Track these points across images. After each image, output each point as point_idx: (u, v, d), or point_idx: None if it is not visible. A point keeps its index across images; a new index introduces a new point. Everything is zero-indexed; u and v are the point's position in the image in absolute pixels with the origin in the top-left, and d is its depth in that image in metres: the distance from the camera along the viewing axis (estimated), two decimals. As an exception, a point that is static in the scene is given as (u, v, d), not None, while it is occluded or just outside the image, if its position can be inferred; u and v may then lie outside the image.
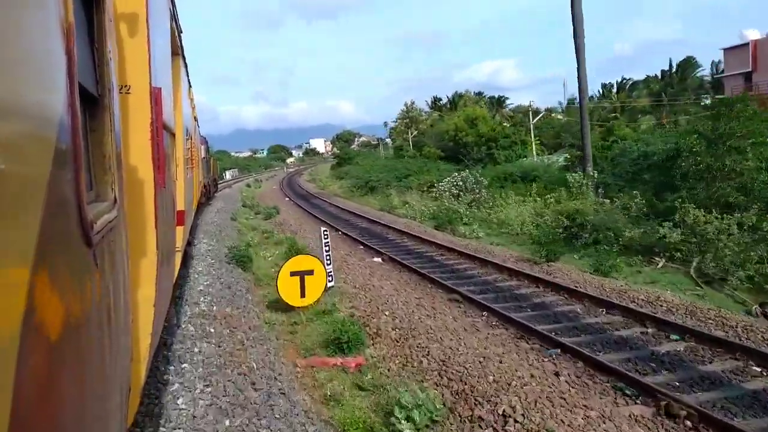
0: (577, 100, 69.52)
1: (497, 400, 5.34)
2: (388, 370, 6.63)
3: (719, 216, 12.77)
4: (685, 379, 6.55)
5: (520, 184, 26.87)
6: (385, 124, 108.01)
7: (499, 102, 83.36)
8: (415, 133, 70.07)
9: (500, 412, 5.15)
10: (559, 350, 7.26)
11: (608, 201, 16.87)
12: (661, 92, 55.96)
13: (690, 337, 7.70)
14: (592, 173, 19.76)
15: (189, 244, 13.40)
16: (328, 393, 6.25)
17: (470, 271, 12.52)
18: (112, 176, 1.88)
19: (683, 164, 15.03)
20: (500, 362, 6.36)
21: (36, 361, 0.85)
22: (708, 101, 54.52)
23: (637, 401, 5.88)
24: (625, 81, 66.73)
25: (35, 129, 0.95)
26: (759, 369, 6.70)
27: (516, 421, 4.99)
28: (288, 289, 9.14)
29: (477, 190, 24.64)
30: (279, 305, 9.48)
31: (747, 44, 37.25)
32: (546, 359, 7.00)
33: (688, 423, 5.39)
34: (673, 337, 7.85)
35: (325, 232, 10.43)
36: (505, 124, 44.38)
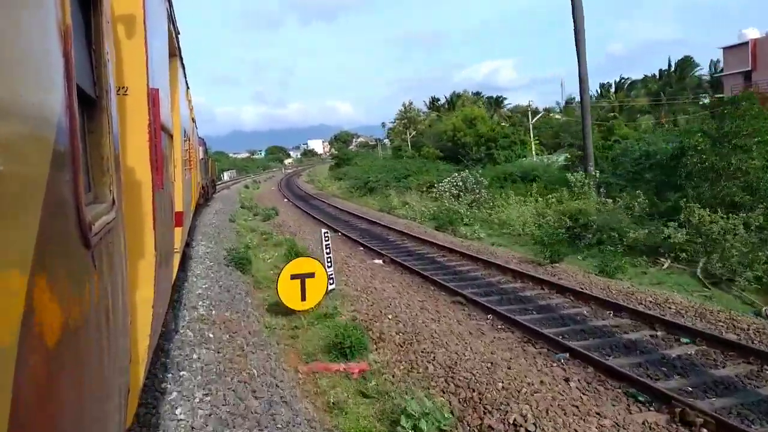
0: (576, 100, 69.24)
1: (507, 408, 5.15)
2: (393, 376, 6.44)
3: (725, 216, 12.61)
4: (698, 385, 6.36)
5: (519, 184, 26.71)
6: (383, 124, 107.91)
7: (497, 102, 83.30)
8: (414, 133, 69.92)
9: (511, 421, 4.96)
10: (567, 355, 7.07)
11: (611, 201, 16.69)
12: (659, 92, 55.91)
13: (701, 341, 7.53)
14: (594, 173, 19.59)
15: (187, 245, 13.23)
16: (332, 401, 6.05)
17: (473, 272, 12.33)
18: (110, 178, 1.87)
19: (688, 163, 14.85)
20: (508, 368, 6.17)
21: (35, 363, 0.85)
22: (706, 101, 54.60)
23: (651, 408, 5.69)
24: (623, 81, 66.70)
25: (33, 130, 0.95)
26: (774, 373, 6.53)
27: (528, 431, 4.80)
28: (288, 293, 8.94)
29: (477, 191, 24.47)
30: (279, 308, 9.28)
31: (746, 43, 37.18)
32: (555, 364, 6.81)
33: (705, 431, 5.21)
34: (684, 340, 7.68)
35: (326, 234, 10.23)
36: (503, 124, 44.19)
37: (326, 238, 10.17)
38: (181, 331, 7.31)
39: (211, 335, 7.24)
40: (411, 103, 76.19)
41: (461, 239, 17.42)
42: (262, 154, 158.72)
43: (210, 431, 4.73)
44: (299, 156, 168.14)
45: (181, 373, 5.84)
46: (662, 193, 17.52)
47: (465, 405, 5.42)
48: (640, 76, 66.47)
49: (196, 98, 14.31)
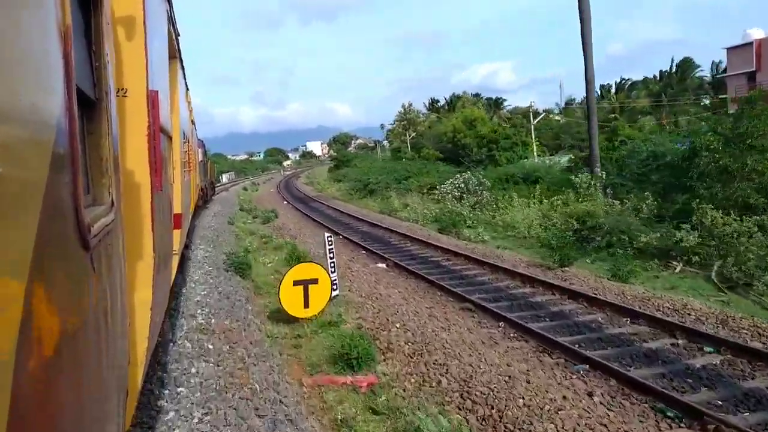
0: (576, 101, 68.96)
1: (531, 428, 4.78)
2: (404, 390, 6.06)
3: (738, 218, 12.27)
4: (727, 398, 6.00)
5: (522, 186, 26.37)
6: (382, 126, 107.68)
7: (496, 104, 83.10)
8: (413, 134, 69.62)
9: (536, 443, 4.58)
10: (587, 366, 6.70)
11: (618, 203, 16.33)
12: (660, 93, 55.65)
13: (726, 350, 7.16)
14: (600, 174, 19.23)
15: (186, 247, 12.89)
16: (339, 417, 5.67)
17: (480, 277, 11.96)
18: (109, 179, 1.86)
19: (701, 163, 14.50)
20: (528, 382, 5.80)
21: (33, 365, 0.85)
22: (707, 101, 54.36)
23: (682, 425, 5.33)
24: (623, 82, 66.47)
25: (32, 132, 0.95)
26: (806, 385, 6.16)
27: (555, 454, 4.42)
28: (291, 300, 8.57)
29: (479, 192, 24.11)
30: (281, 316, 8.91)
31: (751, 44, 36.86)
32: (574, 376, 6.44)
33: (742, 450, 4.85)
34: (707, 349, 7.31)
35: (330, 238, 9.86)
36: (504, 125, 43.89)
37: (329, 242, 9.79)
38: (179, 342, 6.93)
39: (210, 346, 6.86)
40: (411, 105, 75.98)
41: (465, 242, 17.06)
42: (261, 156, 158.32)
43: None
44: (298, 158, 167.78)
45: (179, 389, 5.45)
46: (669, 195, 17.18)
47: (484, 424, 5.05)
48: (639, 77, 66.34)
49: (193, 99, 14.05)
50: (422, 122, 73.97)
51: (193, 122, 15.36)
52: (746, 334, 7.82)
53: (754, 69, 36.31)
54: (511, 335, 8.00)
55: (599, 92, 67.20)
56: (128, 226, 2.43)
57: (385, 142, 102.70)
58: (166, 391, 5.49)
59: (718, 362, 6.91)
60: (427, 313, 8.77)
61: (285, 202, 35.79)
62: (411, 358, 6.83)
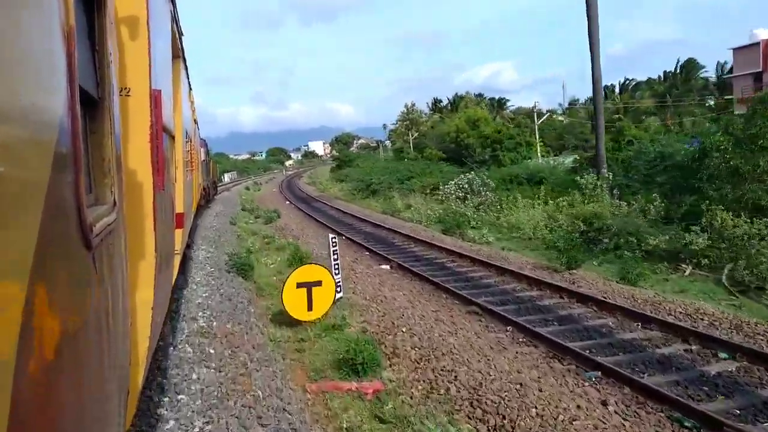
0: (579, 101, 68.57)
1: (545, 439, 4.58)
2: (411, 397, 5.87)
3: (749, 220, 12.05)
4: (746, 406, 5.80)
5: (526, 187, 26.16)
6: (384, 126, 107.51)
7: (499, 104, 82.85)
8: (416, 134, 69.41)
9: (550, 455, 4.40)
10: (599, 373, 6.50)
11: (625, 204, 16.11)
12: (665, 93, 55.36)
13: (741, 356, 6.96)
14: (607, 175, 19.00)
15: (188, 246, 12.76)
16: (345, 426, 5.49)
17: (486, 279, 11.76)
18: (112, 179, 1.86)
19: (711, 165, 14.28)
20: (540, 390, 5.61)
21: (34, 365, 0.84)
22: (712, 102, 54.03)
23: (701, 435, 5.13)
24: (627, 82, 66.18)
25: (35, 131, 0.95)
26: (827, 394, 5.96)
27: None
28: (294, 302, 8.39)
29: (483, 193, 23.91)
30: (283, 318, 8.73)
31: (757, 44, 36.53)
32: (586, 383, 6.25)
33: (765, 464, 4.65)
34: (722, 355, 7.11)
35: (334, 240, 9.67)
36: (508, 125, 43.66)
37: (334, 244, 9.60)
38: (180, 347, 6.76)
39: (211, 351, 6.69)
40: (413, 105, 75.75)
41: (470, 243, 16.86)
42: (263, 156, 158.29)
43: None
44: (300, 158, 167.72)
45: (179, 396, 5.28)
46: (676, 196, 16.95)
47: (496, 434, 4.86)
48: (641, 77, 66.02)
49: (195, 99, 13.91)
50: (425, 122, 73.77)
51: (195, 121, 15.29)
52: (762, 339, 7.61)
53: (760, 69, 36.01)
54: (520, 340, 7.80)
55: (603, 93, 66.94)
56: (130, 225, 2.43)
57: (388, 142, 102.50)
58: (166, 398, 5.32)
59: (733, 369, 6.71)
60: (433, 316, 8.58)
61: (287, 202, 35.63)
62: (418, 363, 6.64)
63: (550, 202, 19.25)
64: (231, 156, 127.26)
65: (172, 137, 5.03)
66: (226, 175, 68.99)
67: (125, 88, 2.71)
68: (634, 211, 15.55)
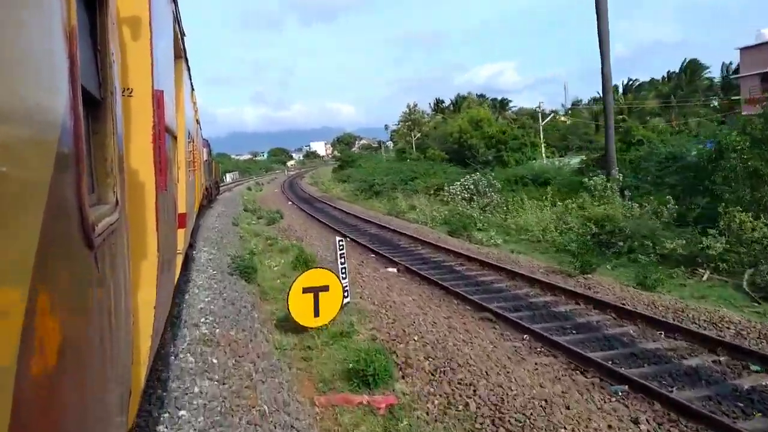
0: (582, 101, 67.95)
1: (579, 465, 4.20)
2: (427, 413, 5.50)
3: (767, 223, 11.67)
4: (786, 425, 5.41)
5: (531, 187, 25.79)
6: (386, 126, 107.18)
7: (501, 104, 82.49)
8: (418, 135, 69.07)
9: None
10: (626, 387, 6.12)
11: (637, 206, 15.72)
12: (670, 94, 54.95)
13: (774, 369, 6.58)
14: (617, 176, 18.59)
15: (190, 246, 12.47)
16: (357, 444, 5.13)
17: (497, 284, 11.38)
18: (114, 179, 1.87)
19: (727, 165, 13.88)
20: (567, 407, 5.23)
21: (36, 364, 0.84)
22: (716, 103, 53.58)
23: (742, 458, 4.75)
24: (631, 82, 65.76)
25: (38, 131, 0.96)
26: None
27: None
28: (300, 308, 8.04)
29: (489, 194, 23.54)
30: (289, 324, 8.38)
31: (765, 44, 36.05)
32: (613, 398, 5.87)
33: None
34: (754, 367, 6.72)
35: (341, 243, 9.30)
36: (512, 125, 43.28)
37: (341, 247, 9.24)
38: (181, 356, 6.39)
39: (214, 360, 6.32)
40: (416, 105, 75.38)
41: (477, 245, 16.48)
42: (265, 156, 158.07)
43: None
44: (302, 158, 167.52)
45: (180, 412, 4.91)
46: (688, 198, 16.56)
47: (523, 457, 4.48)
48: (643, 77, 65.60)
49: (197, 99, 13.65)
50: (427, 123, 73.43)
51: (198, 122, 15.11)
52: (794, 351, 7.23)
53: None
54: (538, 349, 7.42)
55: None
56: (132, 225, 2.42)
57: (389, 143, 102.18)
58: (166, 414, 4.95)
59: (767, 383, 6.33)
60: (446, 323, 8.21)
61: (290, 203, 35.29)
62: (432, 375, 6.27)
63: (559, 203, 18.85)
64: (233, 156, 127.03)
65: (175, 137, 4.99)
66: (227, 176, 68.70)
67: (128, 89, 2.70)
68: (646, 213, 15.15)
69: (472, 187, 24.06)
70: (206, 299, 8.98)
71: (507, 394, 5.52)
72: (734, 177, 13.73)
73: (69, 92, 1.15)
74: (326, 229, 21.28)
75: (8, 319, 0.74)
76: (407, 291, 10.63)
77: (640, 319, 8.39)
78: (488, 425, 5.02)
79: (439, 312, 9.01)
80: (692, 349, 7.36)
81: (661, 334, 7.91)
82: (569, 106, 68.29)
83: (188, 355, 6.42)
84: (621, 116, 51.37)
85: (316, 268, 8.94)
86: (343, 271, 9.10)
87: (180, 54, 6.57)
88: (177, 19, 5.60)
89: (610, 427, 4.91)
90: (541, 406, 5.22)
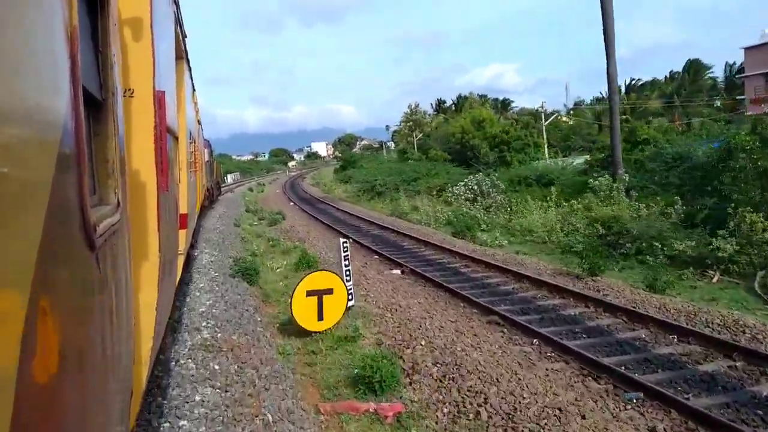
0: (585, 102, 67.73)
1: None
2: (436, 422, 5.31)
3: (779, 224, 11.46)
4: (809, 435, 5.22)
5: (535, 188, 25.58)
6: (387, 127, 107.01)
7: (503, 105, 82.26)
8: (420, 135, 68.88)
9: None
10: (641, 394, 5.92)
11: (644, 207, 15.49)
12: (673, 94, 54.67)
13: (793, 375, 6.37)
14: (624, 176, 18.36)
15: (192, 246, 12.33)
16: (365, 455, 4.94)
17: (503, 286, 11.19)
18: (115, 180, 1.86)
19: (737, 166, 13.66)
20: (582, 416, 5.04)
21: (38, 363, 0.84)
22: (719, 103, 53.26)
23: (766, 471, 4.55)
24: (633, 82, 65.44)
25: (39, 132, 0.96)
26: None
27: None
28: (304, 312, 7.86)
29: (493, 195, 23.34)
30: (292, 328, 8.21)
31: (770, 43, 35.88)
32: (629, 406, 5.67)
33: None
34: (772, 373, 6.52)
35: (345, 244, 9.12)
36: (515, 125, 43.05)
37: (345, 249, 9.05)
38: (182, 362, 6.21)
39: (216, 367, 6.14)
40: (417, 105, 75.18)
41: (482, 247, 16.28)
42: (266, 157, 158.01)
43: None
44: (303, 159, 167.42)
45: (181, 423, 4.73)
46: (695, 199, 16.33)
47: (538, 470, 4.29)
48: (645, 77, 65.31)
49: (198, 100, 13.56)
50: (429, 123, 73.24)
51: (199, 122, 15.08)
52: (812, 356, 7.01)
53: (773, 69, 35.33)
54: (548, 354, 7.23)
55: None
56: (134, 226, 2.41)
57: (391, 143, 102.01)
58: (167, 424, 4.77)
59: (787, 390, 6.12)
60: (453, 327, 8.01)
61: (291, 204, 35.13)
62: (441, 382, 6.08)
63: (564, 204, 18.63)
64: (234, 157, 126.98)
65: (176, 138, 4.99)
66: (229, 176, 68.61)
67: (129, 90, 2.70)
68: (653, 214, 14.93)
69: (475, 187, 23.86)
70: (208, 302, 8.81)
71: (519, 403, 5.33)
72: (744, 177, 13.51)
73: (70, 93, 1.15)
74: (329, 230, 21.10)
75: (9, 320, 0.74)
76: (412, 293, 10.43)
77: (652, 323, 8.19)
78: (501, 436, 4.82)
79: (446, 315, 8.82)
80: (707, 354, 7.15)
81: (674, 338, 7.71)
82: (571, 107, 68.02)
83: (189, 361, 6.25)
84: (624, 116, 51.11)
85: (320, 270, 8.75)
86: (348, 273, 8.91)
87: (181, 55, 6.61)
88: (178, 21, 5.61)
89: (628, 437, 4.72)
90: (556, 415, 5.03)
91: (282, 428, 5.08)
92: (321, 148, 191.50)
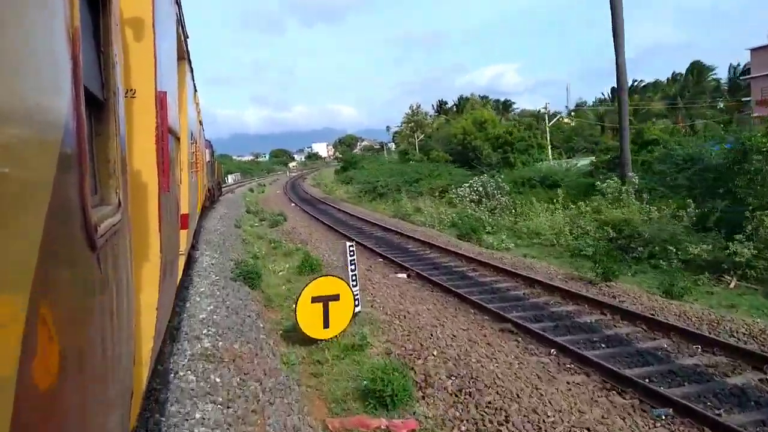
0: (587, 103, 67.45)
1: None
2: (454, 442, 4.94)
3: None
4: None
5: (539, 190, 25.24)
6: (388, 128, 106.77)
7: (504, 106, 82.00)
8: (421, 136, 68.57)
9: None
10: (670, 410, 5.56)
11: (655, 209, 15.13)
12: (676, 95, 54.36)
13: (829, 390, 6.01)
14: (633, 178, 17.99)
15: (193, 247, 12.00)
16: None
17: (513, 291, 10.82)
18: (117, 180, 1.86)
19: (752, 168, 13.31)
20: (613, 438, 4.67)
21: (38, 364, 0.83)
22: (722, 105, 52.95)
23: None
24: (635, 83, 65.16)
25: (40, 132, 0.95)
26: None
27: None
28: (309, 319, 7.52)
29: (497, 196, 22.98)
30: (296, 335, 7.87)
31: (777, 43, 35.52)
32: (658, 424, 5.31)
33: None
34: (806, 388, 6.16)
35: (351, 248, 8.76)
36: (519, 126, 42.75)
37: (351, 253, 8.69)
38: (181, 374, 5.85)
39: (217, 379, 5.78)
40: (419, 106, 74.91)
41: (488, 250, 15.92)
42: (267, 158, 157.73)
43: None
44: (303, 159, 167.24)
45: (180, 444, 4.37)
46: (707, 201, 15.97)
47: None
48: (646, 78, 64.98)
49: (199, 100, 13.31)
50: (430, 124, 72.96)
51: (200, 123, 14.88)
52: None
53: (780, 70, 34.95)
54: (567, 365, 6.86)
55: (610, 95, 65.88)
56: (135, 226, 2.41)
57: (392, 144, 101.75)
58: (164, 445, 4.42)
59: (824, 406, 5.76)
60: (465, 336, 7.65)
61: (293, 204, 34.78)
62: (457, 396, 5.71)
63: (572, 206, 18.25)
64: (235, 157, 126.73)
65: (178, 138, 4.98)
66: (229, 177, 68.30)
67: (131, 90, 2.69)
68: (665, 217, 14.56)
69: (480, 189, 23.51)
70: (208, 308, 8.45)
71: (544, 422, 4.97)
72: (760, 180, 13.15)
73: (72, 93, 1.15)
74: (331, 231, 20.75)
75: (9, 320, 0.73)
76: (420, 299, 10.07)
77: (673, 332, 7.82)
78: (527, 459, 4.46)
79: (457, 323, 8.46)
80: (734, 366, 6.79)
81: (698, 348, 7.34)
82: (573, 108, 67.73)
83: (189, 373, 5.88)
84: (629, 117, 50.81)
85: (326, 275, 8.39)
86: (354, 278, 8.56)
87: (183, 55, 6.63)
88: (180, 21, 5.61)
89: (664, 461, 4.36)
90: (585, 436, 4.67)
91: (288, 448, 4.73)
92: (321, 149, 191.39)
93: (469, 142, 41.85)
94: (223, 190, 40.04)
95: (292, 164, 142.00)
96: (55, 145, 1.01)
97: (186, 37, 6.79)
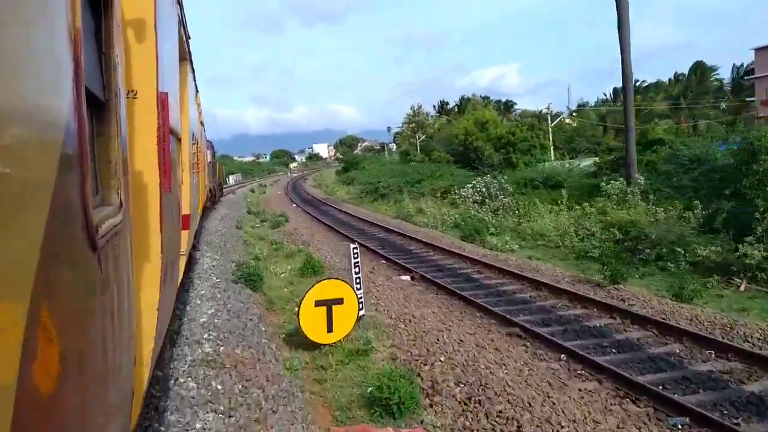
0: (589, 104, 67.27)
1: None
2: (465, 453, 4.76)
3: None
4: None
5: (542, 190, 25.04)
6: (389, 129, 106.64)
7: (506, 106, 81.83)
8: (423, 137, 68.40)
9: None
10: (687, 419, 5.37)
11: (661, 211, 14.93)
12: (679, 96, 54.15)
13: None
14: (639, 179, 17.79)
15: (194, 248, 11.84)
16: (386, 492, 4.39)
17: (520, 294, 10.64)
18: (118, 181, 1.87)
19: (761, 169, 13.10)
20: (631, 449, 4.48)
21: (38, 365, 0.83)
22: (724, 105, 52.71)
23: None
24: (638, 84, 64.95)
25: (42, 133, 0.96)
26: None
27: None
28: (312, 323, 7.34)
29: (500, 197, 22.80)
30: (298, 339, 7.68)
31: (781, 43, 35.28)
32: (675, 434, 5.13)
33: None
34: (826, 395, 5.97)
35: (355, 250, 8.58)
36: (521, 126, 42.58)
37: (355, 255, 8.51)
38: (181, 380, 5.67)
39: (219, 387, 5.60)
40: (420, 107, 74.75)
41: (492, 251, 15.72)
42: (268, 158, 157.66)
43: None
44: (304, 160, 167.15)
45: (179, 457, 4.19)
46: (713, 202, 15.78)
47: None
48: (648, 78, 64.81)
49: (201, 101, 13.19)
50: (431, 125, 72.81)
51: (202, 123, 14.82)
52: None
53: (784, 70, 34.72)
54: (578, 372, 6.68)
55: (612, 95, 65.67)
56: (136, 227, 2.42)
57: (393, 145, 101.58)
58: (164, 459, 4.24)
59: None
60: (472, 341, 7.47)
61: (294, 205, 34.62)
62: (466, 405, 5.52)
63: (576, 207, 18.05)
64: (236, 158, 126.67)
65: (179, 139, 4.98)
66: (230, 177, 68.17)
67: (132, 91, 2.69)
68: (671, 218, 14.37)
69: (483, 189, 23.32)
70: (209, 311, 8.27)
71: (556, 431, 4.78)
72: None
73: (73, 94, 1.15)
74: (333, 232, 20.58)
75: (10, 321, 0.73)
76: (425, 302, 9.88)
77: (685, 337, 7.63)
78: (541, 472, 4.28)
79: (463, 327, 8.27)
80: (750, 372, 6.60)
81: (711, 353, 7.15)
82: (574, 108, 67.54)
83: (189, 380, 5.71)
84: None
85: (329, 278, 8.21)
86: (358, 281, 8.38)
87: (185, 56, 6.62)
88: (182, 22, 5.61)
89: (686, 475, 4.17)
90: (601, 448, 4.48)
91: (293, 460, 4.55)
92: (322, 150, 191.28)
93: (470, 142, 41.67)
94: (224, 190, 39.90)
95: (293, 165, 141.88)
96: (57, 146, 1.01)
97: (188, 37, 6.78)
